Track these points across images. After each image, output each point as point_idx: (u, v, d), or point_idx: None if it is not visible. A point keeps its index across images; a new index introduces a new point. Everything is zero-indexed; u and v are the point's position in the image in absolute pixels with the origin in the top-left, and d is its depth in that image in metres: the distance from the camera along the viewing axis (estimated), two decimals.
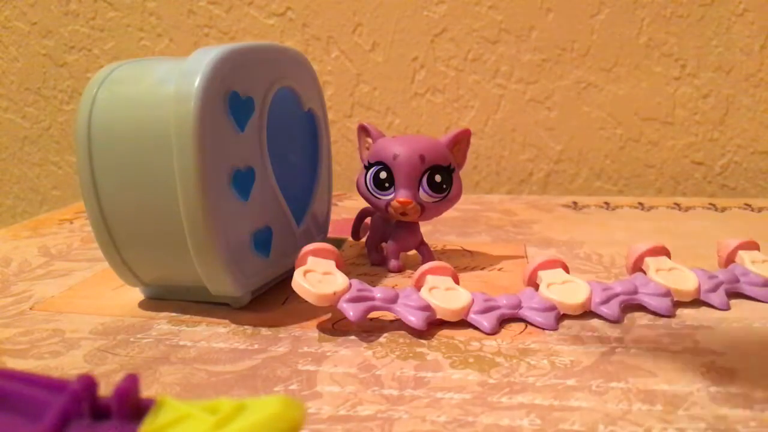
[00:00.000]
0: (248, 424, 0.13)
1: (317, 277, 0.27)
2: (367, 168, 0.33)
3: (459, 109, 0.60)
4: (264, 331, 0.26)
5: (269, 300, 0.30)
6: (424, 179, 0.32)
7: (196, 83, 0.24)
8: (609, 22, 0.57)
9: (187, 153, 0.24)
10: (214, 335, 0.26)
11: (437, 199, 0.32)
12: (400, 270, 0.34)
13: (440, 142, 0.33)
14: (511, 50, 0.58)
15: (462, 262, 0.36)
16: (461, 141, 0.33)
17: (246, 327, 0.27)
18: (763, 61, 0.56)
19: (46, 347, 0.25)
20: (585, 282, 0.29)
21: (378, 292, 0.27)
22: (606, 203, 0.51)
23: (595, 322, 0.27)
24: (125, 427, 0.14)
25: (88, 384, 0.14)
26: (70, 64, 0.62)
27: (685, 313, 0.28)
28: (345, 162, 0.62)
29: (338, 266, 0.28)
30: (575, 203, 0.52)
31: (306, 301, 0.26)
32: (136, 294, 0.31)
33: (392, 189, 0.32)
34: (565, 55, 0.58)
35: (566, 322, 0.27)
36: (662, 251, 0.31)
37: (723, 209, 0.49)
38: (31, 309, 0.29)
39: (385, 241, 0.35)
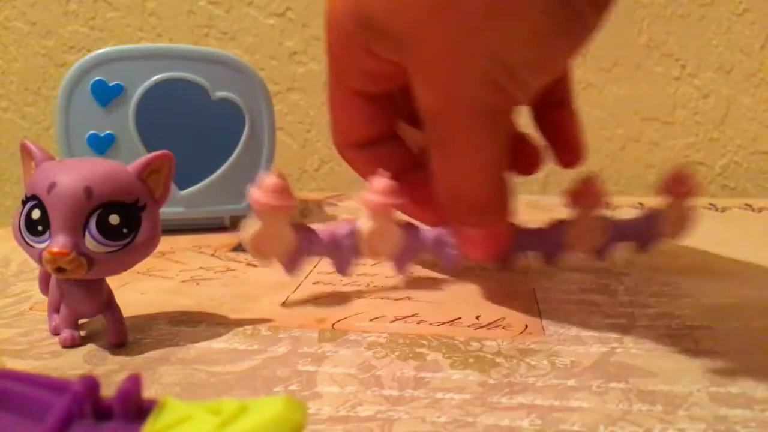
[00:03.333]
0: (251, 425, 0.13)
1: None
2: (23, 204, 0.24)
3: None
4: (264, 331, 0.26)
5: (269, 300, 0.30)
6: (92, 221, 0.23)
7: (69, 73, 0.39)
8: (609, 22, 0.57)
9: (57, 118, 0.40)
10: (213, 335, 0.26)
11: (114, 249, 0.23)
12: (74, 344, 0.25)
13: (123, 169, 0.24)
14: None
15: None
16: (159, 168, 0.25)
17: (246, 327, 0.27)
18: (764, 61, 0.56)
19: (46, 347, 0.25)
20: None
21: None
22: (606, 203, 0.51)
23: (595, 322, 0.27)
24: (127, 428, 0.14)
25: (91, 385, 0.14)
26: (69, 64, 0.62)
27: (685, 314, 0.28)
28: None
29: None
30: None
31: (306, 302, 0.26)
32: (136, 294, 0.31)
33: (48, 234, 0.23)
34: None
35: (566, 323, 0.27)
36: None
37: (723, 209, 0.49)
38: (30, 309, 0.29)
39: None
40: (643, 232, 0.32)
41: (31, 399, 0.14)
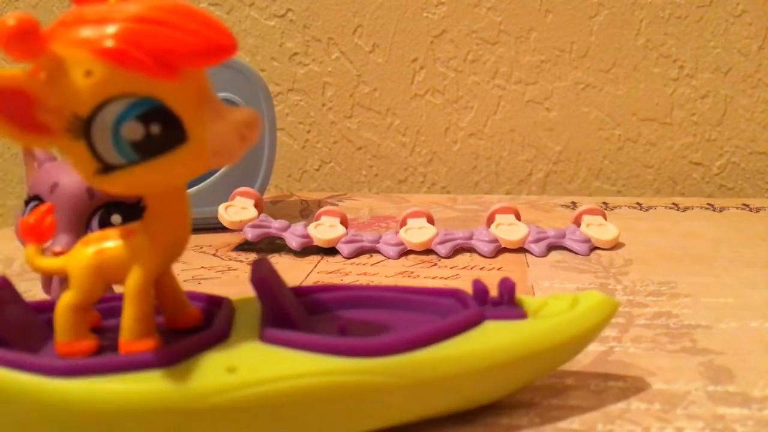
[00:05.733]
0: (594, 300, 0.20)
1: (235, 210, 0.39)
2: (26, 204, 0.25)
3: (458, 110, 0.60)
4: None
5: None
6: (94, 221, 0.24)
7: None
8: (607, 24, 0.57)
9: None
10: None
11: None
12: None
13: None
14: (511, 51, 0.58)
15: (461, 262, 0.36)
16: None
17: None
18: (761, 62, 0.56)
19: None
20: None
21: (276, 224, 0.38)
22: (605, 203, 0.51)
23: None
24: (513, 309, 0.20)
25: (484, 287, 0.20)
26: None
27: (683, 313, 0.28)
28: (345, 162, 0.62)
29: (256, 205, 0.40)
30: (574, 203, 0.52)
31: None
32: None
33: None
34: (564, 56, 0.58)
35: None
36: (510, 210, 0.39)
37: (721, 209, 0.49)
38: None
39: None
40: None
41: (433, 302, 0.21)
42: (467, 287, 0.21)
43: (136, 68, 0.14)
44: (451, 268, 0.35)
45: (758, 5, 0.55)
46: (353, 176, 0.62)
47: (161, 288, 0.19)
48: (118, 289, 0.19)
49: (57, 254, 0.23)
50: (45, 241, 0.20)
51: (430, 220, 0.39)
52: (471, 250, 0.38)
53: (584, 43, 0.58)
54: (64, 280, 0.25)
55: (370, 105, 0.61)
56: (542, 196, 0.59)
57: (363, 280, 0.33)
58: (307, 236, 0.37)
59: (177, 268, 0.35)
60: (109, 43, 0.14)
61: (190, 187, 0.42)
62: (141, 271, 0.17)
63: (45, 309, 0.20)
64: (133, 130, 0.15)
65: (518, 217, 0.39)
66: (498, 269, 0.35)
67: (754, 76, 0.57)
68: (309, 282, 0.33)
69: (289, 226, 0.38)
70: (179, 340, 0.17)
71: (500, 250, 0.38)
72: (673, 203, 0.51)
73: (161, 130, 0.15)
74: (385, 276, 0.34)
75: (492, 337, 0.18)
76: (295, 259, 0.37)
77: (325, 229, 0.38)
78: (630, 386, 0.22)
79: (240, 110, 0.15)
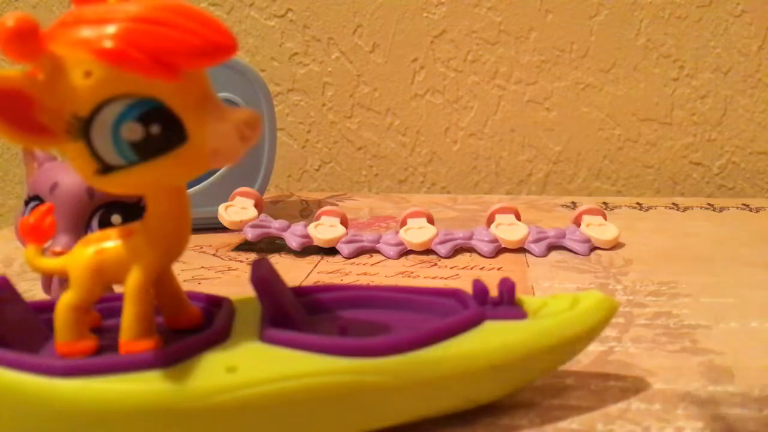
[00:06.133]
0: (593, 300, 0.20)
1: (235, 210, 0.39)
2: (26, 204, 0.25)
3: (458, 110, 0.60)
4: None
5: None
6: (94, 221, 0.24)
7: None
8: (607, 24, 0.57)
9: None
10: None
11: None
12: None
13: None
14: (510, 51, 0.58)
15: (461, 262, 0.36)
16: None
17: None
18: (761, 61, 0.56)
19: None
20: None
21: (276, 224, 0.38)
22: (605, 203, 0.51)
23: None
24: (513, 309, 0.20)
25: (484, 287, 0.20)
26: None
27: (684, 313, 0.28)
28: (345, 162, 0.62)
29: (256, 205, 0.40)
30: (574, 203, 0.52)
31: None
32: None
33: None
34: (564, 56, 0.58)
35: None
36: (511, 210, 0.39)
37: (721, 209, 0.49)
38: None
39: None
40: None
41: (433, 302, 0.21)
42: (467, 287, 0.21)
43: (135, 69, 0.14)
44: (451, 268, 0.35)
45: (758, 5, 0.55)
46: (353, 176, 0.62)
47: (161, 288, 0.19)
48: (118, 289, 0.19)
49: (57, 254, 0.23)
50: (45, 241, 0.20)
51: (430, 220, 0.39)
52: (471, 250, 0.38)
53: (584, 43, 0.58)
54: (64, 280, 0.25)
55: (370, 105, 0.61)
56: (542, 196, 0.59)
57: (363, 280, 0.33)
58: (307, 236, 0.37)
59: (177, 268, 0.35)
60: (108, 44, 0.14)
61: (190, 187, 0.42)
62: (141, 271, 0.17)
63: (45, 309, 0.20)
64: (133, 131, 0.15)
65: (518, 217, 0.39)
66: (498, 269, 0.35)
67: (754, 76, 0.57)
68: (309, 282, 0.33)
69: (289, 226, 0.38)
70: (179, 340, 0.17)
71: (500, 250, 0.38)
72: (673, 203, 0.51)
73: (161, 131, 0.15)
74: (385, 276, 0.34)
75: (492, 337, 0.18)
76: (295, 259, 0.37)
77: (325, 229, 0.38)
78: (630, 386, 0.22)
79: (240, 110, 0.15)
